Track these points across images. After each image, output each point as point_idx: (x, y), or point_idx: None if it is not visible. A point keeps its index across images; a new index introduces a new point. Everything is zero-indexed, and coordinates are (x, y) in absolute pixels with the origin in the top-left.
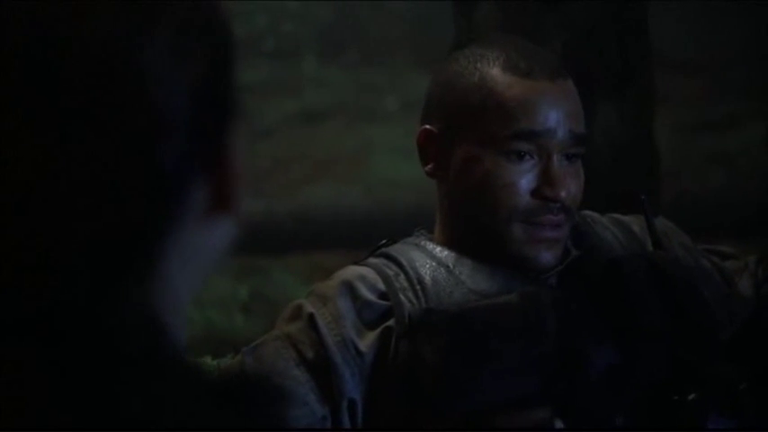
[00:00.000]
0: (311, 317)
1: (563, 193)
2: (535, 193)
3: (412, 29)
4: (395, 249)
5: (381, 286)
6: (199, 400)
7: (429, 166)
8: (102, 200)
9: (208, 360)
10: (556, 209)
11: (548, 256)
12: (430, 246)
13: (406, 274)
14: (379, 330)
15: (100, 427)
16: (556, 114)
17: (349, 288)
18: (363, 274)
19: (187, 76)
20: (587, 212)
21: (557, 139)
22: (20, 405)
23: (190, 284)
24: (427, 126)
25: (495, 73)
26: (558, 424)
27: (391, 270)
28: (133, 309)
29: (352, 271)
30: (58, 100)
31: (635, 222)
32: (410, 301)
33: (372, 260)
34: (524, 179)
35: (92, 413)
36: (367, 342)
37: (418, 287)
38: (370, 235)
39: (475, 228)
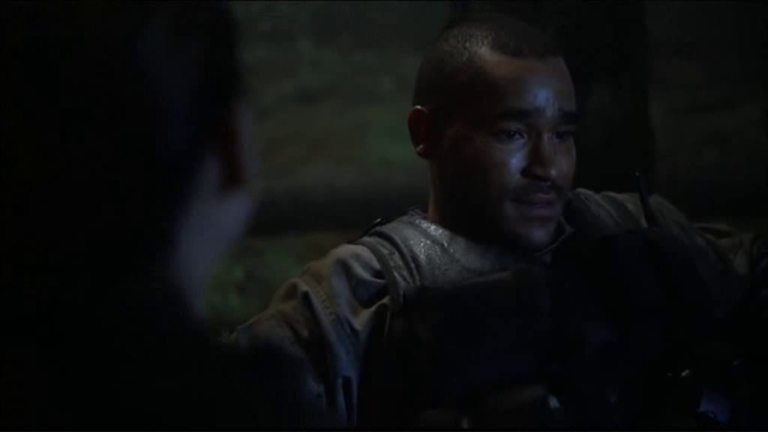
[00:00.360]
0: (306, 295)
1: (553, 172)
2: (525, 171)
3: (407, 11)
4: (389, 228)
5: (376, 265)
6: (225, 370)
7: (420, 147)
8: (115, 186)
9: None
10: (546, 187)
11: (540, 234)
12: (424, 224)
13: (400, 252)
14: (373, 309)
15: (131, 402)
16: (545, 93)
17: (344, 266)
18: (358, 253)
19: (189, 57)
20: (581, 190)
21: (546, 118)
22: (47, 379)
23: (208, 259)
24: (418, 107)
25: (484, 52)
26: (553, 402)
27: (386, 248)
28: (154, 285)
29: (346, 249)
30: (60, 94)
31: (629, 200)
32: (405, 280)
33: (367, 239)
34: (514, 158)
35: (120, 388)
36: (362, 320)
37: (413, 265)
38: (364, 215)
39: (467, 207)
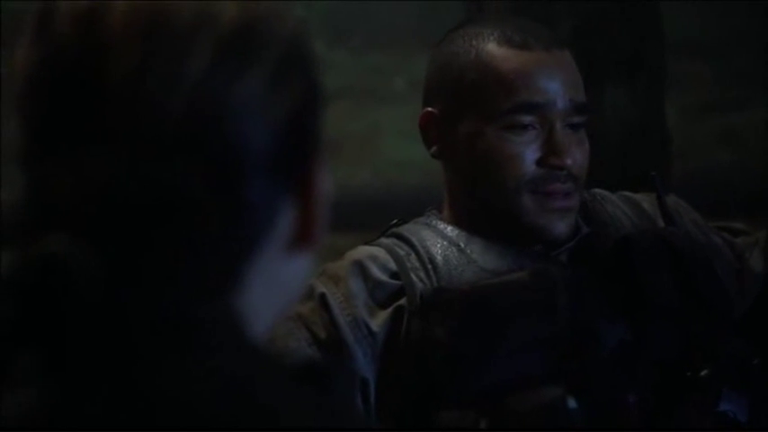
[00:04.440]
0: (323, 297)
1: (569, 161)
2: (541, 162)
3: (418, 11)
4: (406, 229)
5: (393, 266)
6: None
7: (434, 148)
8: (191, 220)
9: None
10: (563, 177)
11: (561, 226)
12: (441, 225)
13: (417, 253)
14: (390, 310)
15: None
16: (554, 84)
17: (360, 268)
18: (375, 254)
19: (281, 112)
20: (597, 190)
21: (558, 109)
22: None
23: (271, 313)
24: (428, 108)
25: (491, 48)
26: (571, 402)
27: (402, 250)
28: (216, 314)
29: (363, 251)
30: (155, 131)
31: (645, 200)
32: (421, 281)
33: (383, 240)
34: (529, 149)
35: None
36: (379, 322)
37: (429, 266)
38: (379, 216)
39: (485, 204)
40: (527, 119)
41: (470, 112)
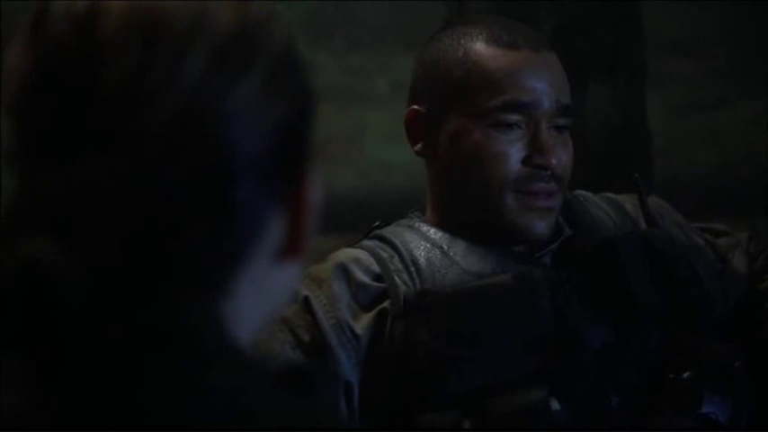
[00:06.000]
0: (306, 300)
1: (553, 161)
2: (526, 161)
3: (399, 12)
4: (389, 231)
5: (376, 268)
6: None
7: (418, 146)
8: (180, 223)
9: None
10: (547, 177)
11: (541, 226)
12: (424, 227)
13: (400, 255)
14: (374, 312)
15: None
16: (542, 84)
17: (344, 270)
18: (358, 257)
19: (274, 118)
20: (580, 192)
21: (544, 109)
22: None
23: (257, 319)
24: (414, 106)
25: (479, 47)
26: (554, 404)
27: (386, 252)
28: (200, 320)
29: (346, 253)
30: (147, 135)
31: (628, 201)
32: (405, 283)
33: (367, 242)
34: (514, 148)
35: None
36: (362, 324)
37: (413, 269)
38: (363, 218)
39: (467, 202)
40: (513, 118)
41: (456, 110)
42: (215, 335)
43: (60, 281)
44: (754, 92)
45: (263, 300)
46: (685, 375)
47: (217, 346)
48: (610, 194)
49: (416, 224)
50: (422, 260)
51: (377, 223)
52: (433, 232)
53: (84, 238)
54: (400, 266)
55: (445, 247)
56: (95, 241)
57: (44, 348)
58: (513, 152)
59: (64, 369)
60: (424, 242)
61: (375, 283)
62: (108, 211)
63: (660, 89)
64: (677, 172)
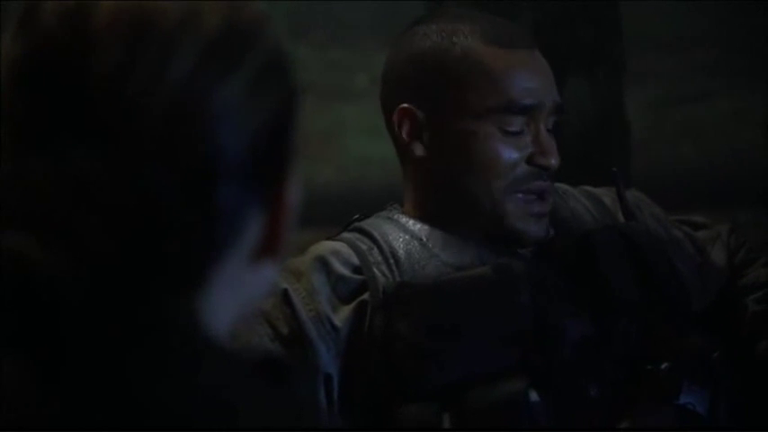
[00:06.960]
0: (285, 292)
1: (553, 161)
2: (529, 161)
3: (379, 7)
4: (368, 224)
5: (355, 260)
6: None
7: (412, 145)
8: (160, 219)
9: None
10: (545, 175)
11: (537, 230)
12: (403, 219)
13: (379, 247)
14: (353, 305)
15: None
16: (542, 84)
17: (323, 263)
18: (337, 249)
19: (259, 119)
20: (559, 185)
21: (545, 109)
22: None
23: (232, 318)
24: (405, 105)
25: (477, 45)
26: (533, 396)
27: (365, 244)
28: (176, 314)
29: (325, 246)
30: (133, 131)
31: (606, 194)
32: (384, 275)
33: (346, 235)
34: (519, 149)
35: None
36: (342, 317)
37: (392, 261)
38: (343, 212)
39: (463, 202)
40: (518, 119)
41: (458, 110)
42: (197, 332)
43: (43, 276)
44: (732, 87)
45: (238, 299)
46: (663, 366)
47: (191, 339)
48: (588, 188)
49: (396, 216)
50: (401, 252)
51: (356, 216)
52: (412, 224)
53: (68, 232)
54: (379, 258)
55: (424, 239)
56: (78, 235)
57: (26, 343)
58: (519, 153)
59: (42, 363)
60: (404, 234)
61: (354, 276)
62: (93, 205)
63: (642, 84)
64: (659, 165)
